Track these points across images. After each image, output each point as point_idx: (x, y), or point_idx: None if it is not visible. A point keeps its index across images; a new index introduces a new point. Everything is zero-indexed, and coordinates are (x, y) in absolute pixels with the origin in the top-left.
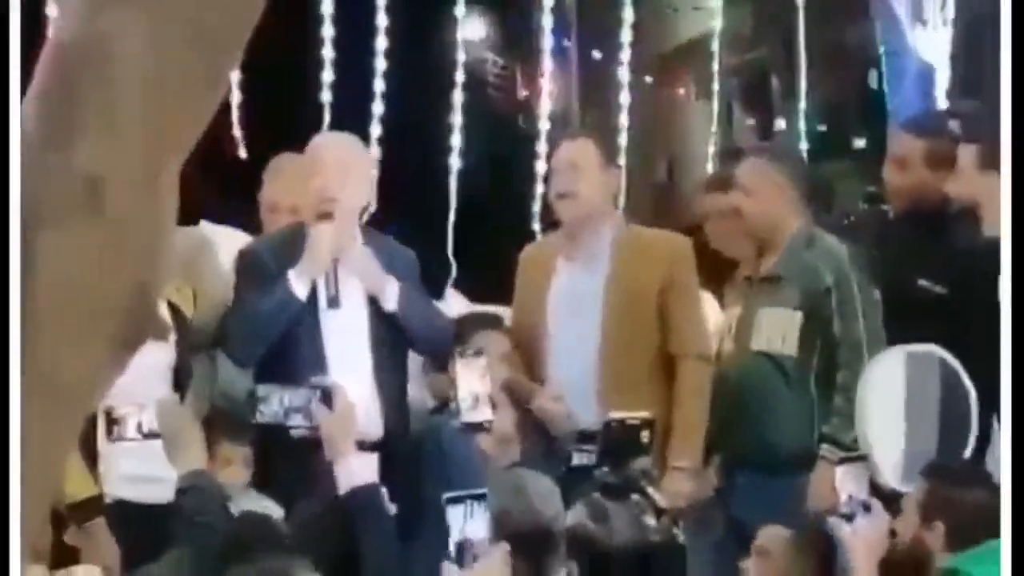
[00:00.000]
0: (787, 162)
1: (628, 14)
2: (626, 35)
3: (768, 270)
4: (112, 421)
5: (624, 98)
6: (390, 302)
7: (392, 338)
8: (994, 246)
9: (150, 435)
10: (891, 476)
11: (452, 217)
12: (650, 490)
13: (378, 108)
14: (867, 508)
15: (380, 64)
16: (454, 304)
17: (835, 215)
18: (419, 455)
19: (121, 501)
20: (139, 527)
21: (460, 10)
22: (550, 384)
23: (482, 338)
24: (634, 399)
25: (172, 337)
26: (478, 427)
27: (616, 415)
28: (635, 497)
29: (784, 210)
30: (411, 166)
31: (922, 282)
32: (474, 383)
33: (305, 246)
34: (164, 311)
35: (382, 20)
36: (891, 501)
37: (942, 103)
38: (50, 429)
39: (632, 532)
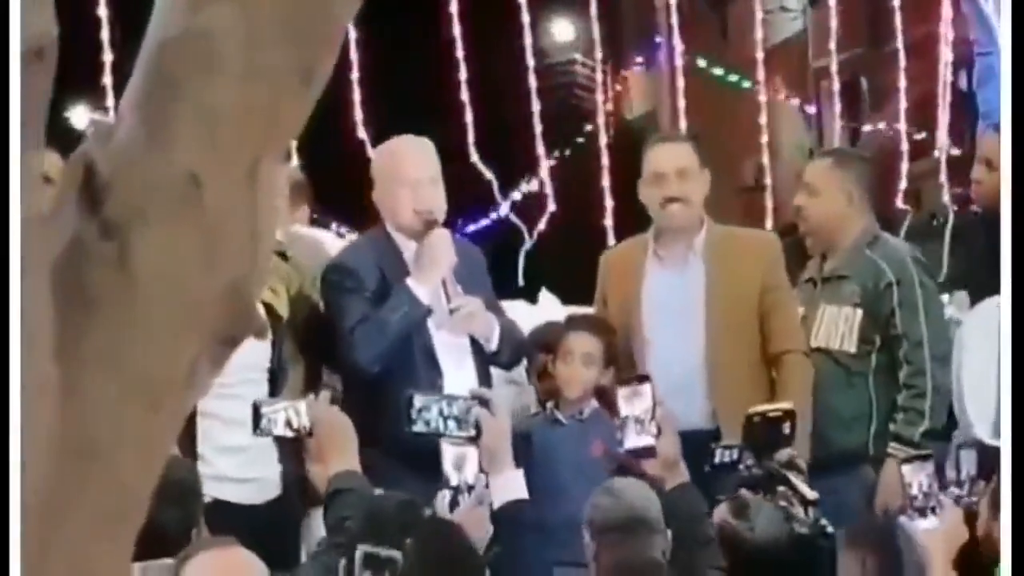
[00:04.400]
0: (852, 163)
1: (728, 15)
2: (729, 34)
3: (831, 270)
4: (259, 416)
5: (720, 100)
6: (492, 343)
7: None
8: None
9: (300, 432)
10: (984, 431)
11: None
12: (796, 480)
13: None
14: (939, 503)
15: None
16: (547, 306)
17: (924, 215)
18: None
19: (219, 501)
20: (235, 527)
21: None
22: None
23: (574, 340)
24: (741, 397)
25: (268, 337)
26: (642, 452)
27: (757, 408)
28: (781, 489)
29: (847, 211)
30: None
31: None
32: (636, 408)
33: (423, 254)
34: (261, 310)
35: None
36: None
37: None
38: (149, 429)
39: (776, 527)
